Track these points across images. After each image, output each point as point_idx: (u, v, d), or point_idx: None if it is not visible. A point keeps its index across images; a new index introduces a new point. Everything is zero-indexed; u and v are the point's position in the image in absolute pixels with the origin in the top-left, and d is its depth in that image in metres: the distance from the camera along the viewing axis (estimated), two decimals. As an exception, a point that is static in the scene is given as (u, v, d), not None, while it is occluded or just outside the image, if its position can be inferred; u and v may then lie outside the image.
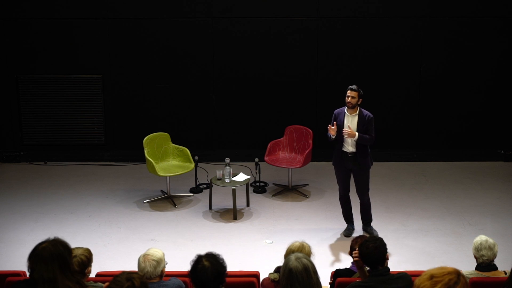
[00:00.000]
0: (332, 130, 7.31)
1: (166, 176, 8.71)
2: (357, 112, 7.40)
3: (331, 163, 7.73)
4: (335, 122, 7.40)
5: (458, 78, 10.04)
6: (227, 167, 8.34)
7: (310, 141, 9.05)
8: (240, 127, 10.29)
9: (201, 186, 9.21)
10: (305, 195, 8.97)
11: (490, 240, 5.30)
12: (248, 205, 8.65)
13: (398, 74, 10.03)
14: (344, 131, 7.30)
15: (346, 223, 7.86)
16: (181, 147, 9.06)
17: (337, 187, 7.73)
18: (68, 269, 3.82)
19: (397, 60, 9.99)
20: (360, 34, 9.92)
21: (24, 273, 5.25)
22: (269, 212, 8.50)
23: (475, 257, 5.34)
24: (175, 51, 9.99)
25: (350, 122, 7.39)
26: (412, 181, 9.52)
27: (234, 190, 8.26)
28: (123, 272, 3.65)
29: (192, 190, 9.15)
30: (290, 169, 9.03)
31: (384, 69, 10.00)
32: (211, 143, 10.36)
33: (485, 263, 5.27)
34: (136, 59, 10.03)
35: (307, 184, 9.33)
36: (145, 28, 9.95)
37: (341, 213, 7.86)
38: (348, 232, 7.80)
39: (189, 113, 10.22)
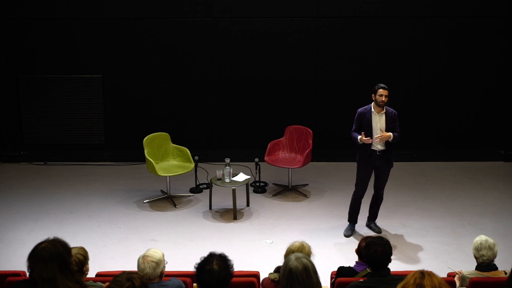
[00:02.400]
0: (366, 139, 7.22)
1: (166, 176, 8.70)
2: (384, 111, 7.34)
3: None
4: (363, 133, 7.28)
5: (458, 78, 10.04)
6: (227, 167, 8.34)
7: (310, 141, 9.05)
8: (240, 127, 10.29)
9: (201, 186, 9.20)
10: (305, 195, 8.97)
11: (490, 240, 5.30)
12: (248, 205, 8.64)
13: (398, 74, 10.03)
14: (376, 138, 7.23)
15: (349, 222, 7.80)
16: (181, 147, 9.06)
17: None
18: (67, 269, 3.82)
19: (397, 60, 9.99)
20: (360, 34, 9.91)
21: (24, 273, 5.25)
22: (269, 212, 8.50)
23: (475, 257, 5.35)
24: (175, 51, 9.99)
25: (379, 121, 7.31)
26: (412, 181, 9.51)
27: (234, 190, 8.26)
28: (123, 272, 3.66)
29: (192, 190, 9.14)
30: (290, 169, 9.03)
31: (384, 69, 9.99)
32: (211, 143, 10.35)
33: (485, 263, 5.27)
34: (136, 59, 10.03)
35: (307, 184, 9.32)
36: (145, 28, 9.95)
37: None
38: (348, 232, 7.78)
39: (189, 113, 10.22)
